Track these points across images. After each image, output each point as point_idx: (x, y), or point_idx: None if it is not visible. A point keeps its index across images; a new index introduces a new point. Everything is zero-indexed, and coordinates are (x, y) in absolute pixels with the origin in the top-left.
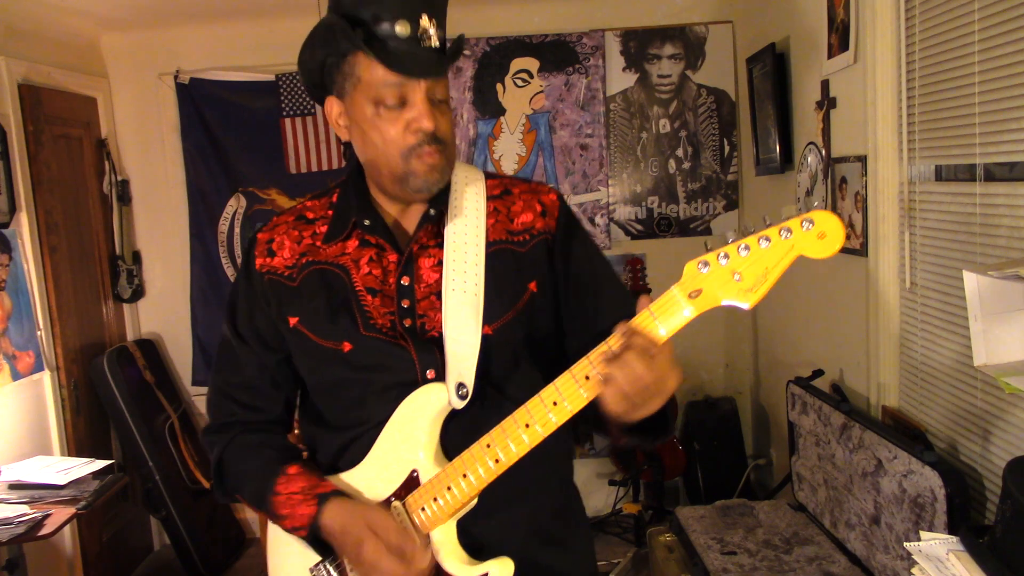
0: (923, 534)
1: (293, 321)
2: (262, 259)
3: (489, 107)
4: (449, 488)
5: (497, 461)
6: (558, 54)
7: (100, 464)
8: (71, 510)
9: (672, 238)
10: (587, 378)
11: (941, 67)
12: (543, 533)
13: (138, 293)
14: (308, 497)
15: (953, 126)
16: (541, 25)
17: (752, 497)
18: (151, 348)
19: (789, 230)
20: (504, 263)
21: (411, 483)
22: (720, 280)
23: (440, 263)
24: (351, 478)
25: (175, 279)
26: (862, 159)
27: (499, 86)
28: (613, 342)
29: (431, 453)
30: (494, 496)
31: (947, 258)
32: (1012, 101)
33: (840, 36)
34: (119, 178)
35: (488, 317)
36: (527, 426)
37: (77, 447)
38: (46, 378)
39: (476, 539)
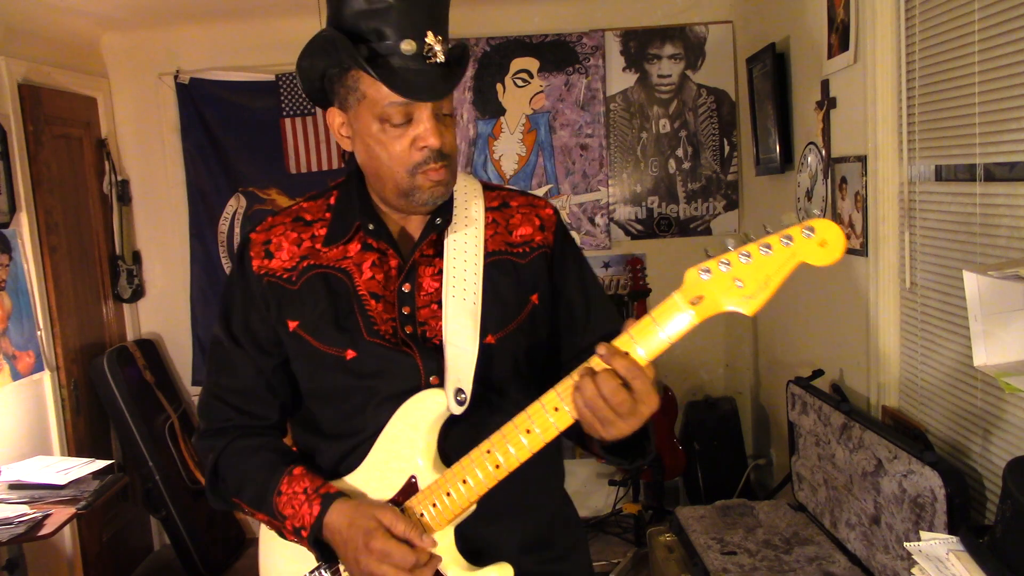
0: (923, 534)
1: (293, 325)
2: (259, 261)
3: (489, 107)
4: (448, 493)
5: (498, 466)
6: (558, 54)
7: (100, 464)
8: (71, 510)
9: (672, 238)
10: None
11: (941, 67)
12: (540, 540)
13: (138, 293)
14: (313, 496)
15: (953, 126)
16: (541, 25)
17: (752, 497)
18: (151, 348)
19: (790, 238)
20: (503, 273)
21: (409, 488)
22: (722, 286)
23: (440, 272)
24: (350, 483)
25: (175, 279)
26: (862, 159)
27: (499, 86)
28: (595, 362)
29: (429, 459)
30: (492, 503)
31: (947, 258)
32: (1012, 101)
33: (840, 36)
34: (119, 178)
35: (491, 326)
36: (528, 432)
37: (77, 447)
38: (46, 378)
39: (474, 545)
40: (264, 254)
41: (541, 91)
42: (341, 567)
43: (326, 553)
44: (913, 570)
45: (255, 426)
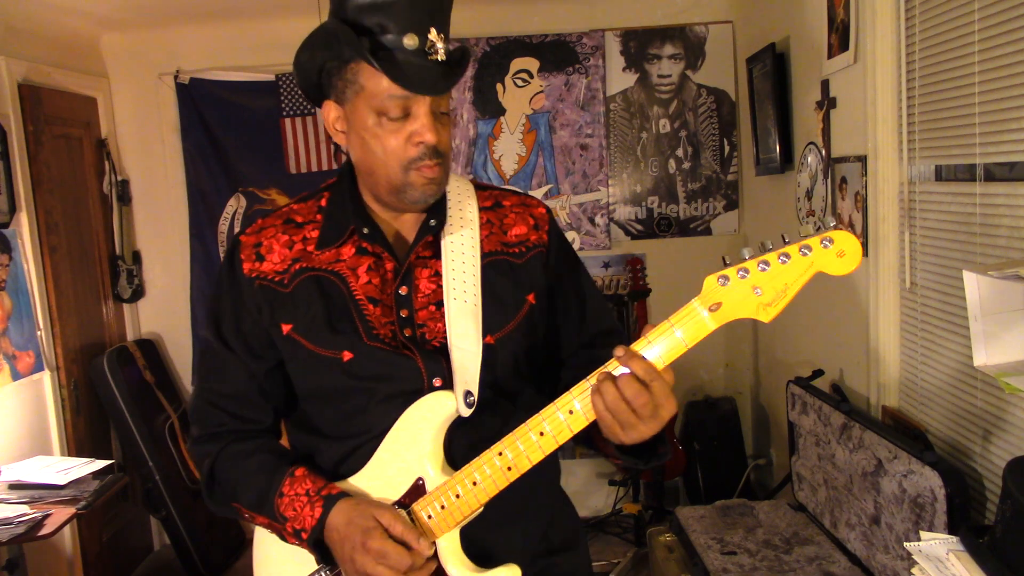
0: (923, 534)
1: (286, 328)
2: (250, 264)
3: (489, 107)
4: (458, 495)
5: (510, 468)
6: (558, 54)
7: (100, 464)
8: (71, 510)
9: (672, 238)
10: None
11: (941, 67)
12: (546, 540)
13: (138, 293)
14: (315, 498)
15: (953, 126)
16: (541, 25)
17: (752, 497)
18: (151, 348)
19: (809, 248)
20: (500, 273)
21: (416, 490)
22: (740, 294)
23: (436, 274)
24: (353, 485)
25: (175, 279)
26: (862, 159)
27: (499, 86)
28: (613, 365)
29: (438, 461)
30: (498, 506)
31: (947, 258)
32: (1012, 101)
33: (840, 36)
34: (119, 178)
35: (489, 327)
36: (541, 434)
37: (77, 447)
38: (46, 378)
39: (480, 549)
40: (255, 256)
41: (541, 91)
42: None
43: (327, 555)
44: (913, 570)
45: (249, 430)
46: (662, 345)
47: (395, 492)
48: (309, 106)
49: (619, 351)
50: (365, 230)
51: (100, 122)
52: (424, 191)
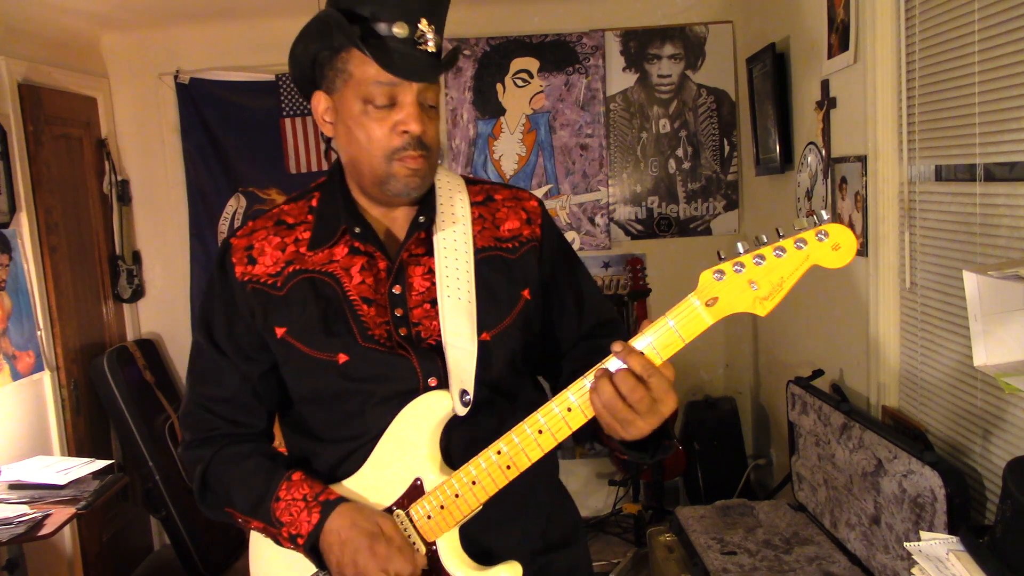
0: (923, 534)
1: (280, 332)
2: (242, 267)
3: (489, 107)
4: (457, 495)
5: (509, 467)
6: (558, 54)
7: (100, 464)
8: (71, 510)
9: (672, 238)
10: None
11: (941, 67)
12: (545, 536)
13: (138, 293)
14: (313, 504)
15: (953, 126)
16: (541, 25)
17: (752, 497)
18: (151, 348)
19: (804, 241)
20: (494, 269)
21: (414, 491)
22: (736, 289)
23: (430, 271)
24: (350, 486)
25: (175, 279)
26: (862, 159)
27: (499, 86)
28: (611, 362)
29: (435, 461)
30: (498, 504)
31: (947, 258)
32: (1012, 101)
33: (840, 36)
34: (119, 178)
35: (485, 324)
36: (540, 432)
37: (77, 447)
38: (46, 378)
39: (482, 547)
40: (247, 260)
41: (541, 91)
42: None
43: (322, 561)
44: (913, 570)
45: (243, 434)
46: (660, 340)
47: (393, 493)
48: (309, 106)
49: (616, 346)
50: (357, 229)
51: (100, 122)
52: (407, 183)
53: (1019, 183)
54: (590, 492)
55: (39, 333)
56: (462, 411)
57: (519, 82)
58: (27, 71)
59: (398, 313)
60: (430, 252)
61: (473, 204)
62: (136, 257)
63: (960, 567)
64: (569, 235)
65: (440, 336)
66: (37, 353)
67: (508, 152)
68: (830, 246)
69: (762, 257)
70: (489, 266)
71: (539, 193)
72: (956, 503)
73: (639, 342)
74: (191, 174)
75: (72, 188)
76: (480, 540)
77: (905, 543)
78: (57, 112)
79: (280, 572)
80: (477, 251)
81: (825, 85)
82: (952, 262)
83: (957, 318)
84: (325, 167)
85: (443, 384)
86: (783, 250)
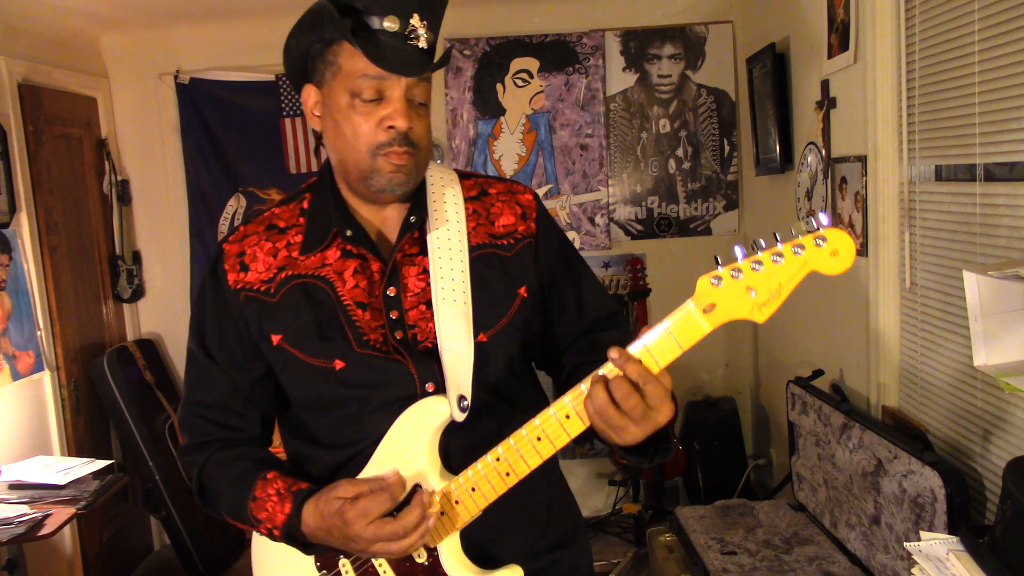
0: (923, 534)
1: (276, 339)
2: (235, 274)
3: (489, 107)
4: (457, 502)
5: (508, 474)
6: (558, 54)
7: (100, 464)
8: (71, 510)
9: (672, 238)
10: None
11: (941, 67)
12: (546, 536)
13: (138, 293)
14: (285, 495)
15: (953, 126)
16: (541, 25)
17: (752, 497)
18: (151, 348)
19: (802, 247)
20: (490, 267)
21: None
22: (734, 295)
23: (425, 271)
24: None
25: (175, 279)
26: (862, 159)
27: (499, 86)
28: (607, 368)
29: (435, 467)
30: (498, 507)
31: (947, 258)
32: (1012, 101)
33: (840, 36)
34: (119, 178)
35: (481, 324)
36: (539, 439)
37: (77, 447)
38: (46, 378)
39: (483, 550)
40: (239, 267)
41: (541, 91)
42: (341, 568)
43: (307, 549)
44: (913, 570)
45: (237, 438)
46: (658, 347)
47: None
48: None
49: (613, 353)
50: (348, 232)
51: (100, 122)
52: (391, 178)
53: (1019, 183)
54: (590, 492)
55: (39, 333)
56: (460, 417)
57: (519, 82)
58: (27, 71)
59: (393, 316)
60: (424, 251)
61: (467, 199)
62: (136, 257)
63: (960, 567)
64: (569, 235)
65: (437, 339)
66: (37, 353)
67: (508, 152)
68: (828, 252)
69: (760, 263)
70: (484, 264)
71: (539, 193)
72: (956, 503)
73: (636, 348)
74: (191, 174)
75: (72, 188)
76: (482, 543)
77: (905, 543)
78: (57, 112)
79: (283, 568)
80: (472, 249)
81: (825, 85)
82: (952, 262)
83: (957, 318)
84: None
85: (440, 389)
86: (781, 256)
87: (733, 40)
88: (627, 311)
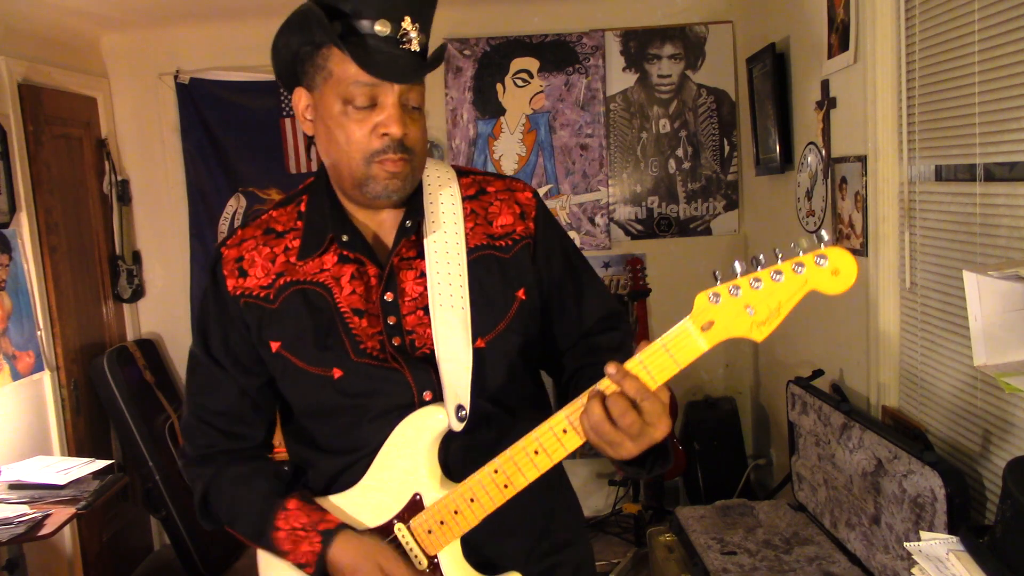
0: (923, 534)
1: (275, 346)
2: (234, 280)
3: (489, 107)
4: (456, 511)
5: (506, 486)
6: (558, 54)
7: (100, 464)
8: (71, 510)
9: (672, 238)
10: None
11: (941, 67)
12: (550, 537)
13: (138, 293)
14: (312, 533)
15: (953, 126)
16: (541, 25)
17: (752, 497)
18: (151, 348)
19: (802, 265)
20: (488, 270)
21: (414, 506)
22: (732, 313)
23: (423, 274)
24: (348, 499)
25: (175, 279)
26: (862, 159)
27: (499, 86)
28: (604, 384)
29: (434, 476)
30: (499, 513)
31: (947, 258)
32: (1012, 101)
33: (840, 36)
34: (119, 178)
35: (479, 329)
36: (536, 452)
37: (77, 447)
38: (46, 378)
39: (483, 556)
40: (238, 272)
41: (541, 91)
42: None
43: None
44: (913, 570)
45: (242, 448)
46: (655, 364)
47: (393, 507)
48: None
49: (611, 369)
50: (344, 237)
51: (100, 122)
52: (387, 185)
53: (1019, 183)
54: (590, 492)
55: (39, 333)
56: (458, 427)
57: (519, 82)
58: (27, 71)
59: (391, 322)
60: (422, 254)
61: (465, 199)
62: (136, 257)
63: (960, 567)
64: (569, 235)
65: (434, 345)
66: (37, 353)
67: (508, 152)
68: (829, 271)
69: (759, 280)
70: (482, 267)
71: (539, 193)
72: (956, 503)
73: (633, 365)
74: (191, 174)
75: (72, 188)
76: (483, 549)
77: (905, 543)
78: (57, 112)
79: (290, 574)
80: (470, 251)
81: (825, 85)
82: (952, 262)
83: (957, 318)
84: None
85: (438, 397)
86: (780, 274)
87: (733, 40)
88: (627, 311)
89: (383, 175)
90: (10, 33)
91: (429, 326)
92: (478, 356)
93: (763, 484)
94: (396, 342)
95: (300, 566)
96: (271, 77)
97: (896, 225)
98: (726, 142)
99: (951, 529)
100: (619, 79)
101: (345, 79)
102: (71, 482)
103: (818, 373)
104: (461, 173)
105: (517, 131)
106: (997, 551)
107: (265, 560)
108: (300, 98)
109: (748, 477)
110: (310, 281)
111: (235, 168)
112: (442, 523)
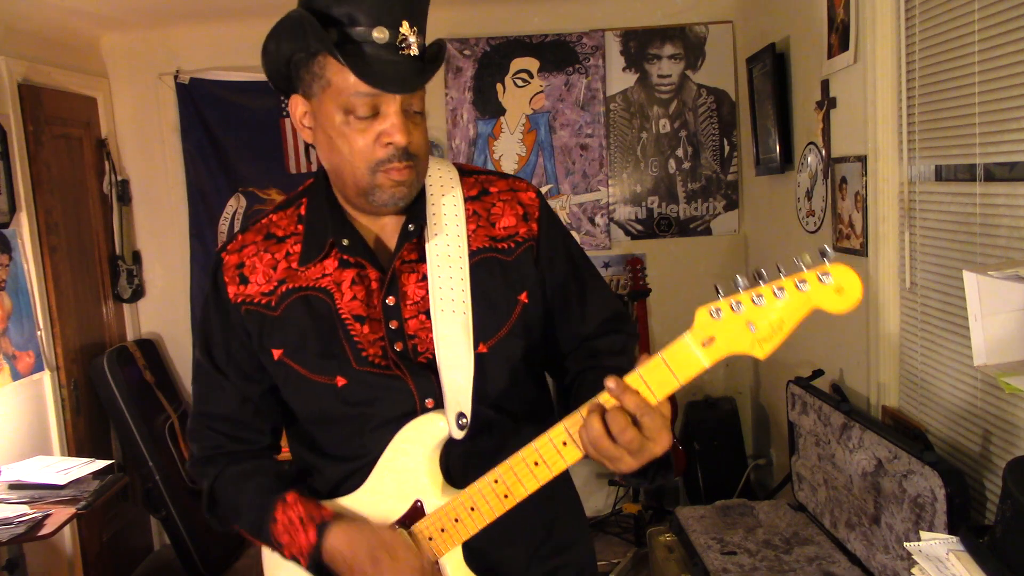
0: (923, 534)
1: (277, 354)
2: (235, 287)
3: (489, 107)
4: (457, 519)
5: (506, 496)
6: (558, 54)
7: (100, 464)
8: (71, 510)
9: (672, 238)
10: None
11: (941, 67)
12: (552, 538)
13: (138, 293)
14: (308, 523)
15: (953, 126)
16: (541, 25)
17: (752, 497)
18: (151, 348)
19: (805, 282)
20: (490, 273)
21: (415, 512)
22: (734, 329)
23: (425, 277)
24: (350, 504)
25: (175, 279)
26: (862, 159)
27: (499, 86)
28: (604, 398)
29: (435, 483)
30: (502, 518)
31: (947, 258)
32: (1012, 101)
33: (840, 36)
34: (119, 178)
35: (481, 334)
36: (536, 464)
37: (77, 447)
38: (46, 378)
39: (485, 561)
40: (239, 279)
41: (541, 91)
42: None
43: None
44: (913, 570)
45: (247, 450)
46: (655, 379)
47: (395, 512)
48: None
49: (610, 383)
50: (345, 242)
51: (100, 122)
52: (393, 194)
53: (1019, 183)
54: (590, 492)
55: (39, 333)
56: (459, 435)
57: (519, 82)
58: (27, 71)
59: (393, 326)
60: (423, 257)
61: (467, 199)
62: (136, 257)
63: (960, 567)
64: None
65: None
66: (37, 353)
67: (508, 152)
68: (833, 289)
69: (761, 296)
70: (485, 270)
71: None
72: (956, 503)
73: (633, 380)
74: (191, 174)
75: (72, 188)
76: (485, 553)
77: (905, 543)
78: (57, 112)
79: (296, 571)
80: (472, 254)
81: (825, 85)
82: (952, 262)
83: (957, 318)
84: None
85: (440, 404)
86: (783, 290)
87: (733, 40)
88: (627, 311)
89: (389, 184)
90: (10, 33)
91: (431, 331)
92: (480, 361)
93: (763, 484)
94: (398, 347)
95: (295, 558)
96: None
97: (896, 225)
98: (726, 142)
99: (951, 529)
100: (619, 79)
101: (345, 89)
102: (71, 482)
103: (818, 373)
104: (464, 172)
105: (517, 131)
106: (997, 551)
107: (270, 559)
108: (297, 106)
109: (748, 477)
110: (312, 287)
111: (235, 168)
112: (443, 530)
